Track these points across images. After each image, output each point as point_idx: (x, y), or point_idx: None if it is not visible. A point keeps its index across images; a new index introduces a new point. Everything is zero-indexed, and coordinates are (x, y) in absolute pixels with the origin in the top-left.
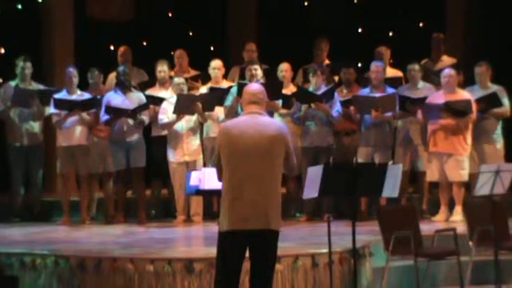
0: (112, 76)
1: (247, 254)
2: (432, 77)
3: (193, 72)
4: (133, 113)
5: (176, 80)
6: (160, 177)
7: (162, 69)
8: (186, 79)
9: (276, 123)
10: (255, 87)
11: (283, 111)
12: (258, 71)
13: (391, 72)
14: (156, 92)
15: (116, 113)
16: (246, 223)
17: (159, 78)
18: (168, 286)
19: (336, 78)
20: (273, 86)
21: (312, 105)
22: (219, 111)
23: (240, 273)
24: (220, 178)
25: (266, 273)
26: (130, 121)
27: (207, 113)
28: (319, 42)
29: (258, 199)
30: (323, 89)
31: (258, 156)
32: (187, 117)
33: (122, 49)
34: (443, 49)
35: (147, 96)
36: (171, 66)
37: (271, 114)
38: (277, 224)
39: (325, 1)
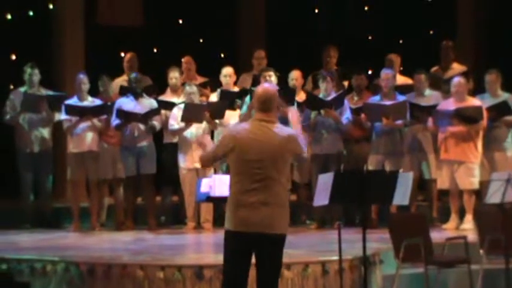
0: (117, 82)
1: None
2: (442, 84)
3: (200, 79)
4: (144, 117)
5: (188, 88)
6: (171, 184)
7: (174, 75)
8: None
9: (284, 130)
10: (265, 93)
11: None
12: (272, 77)
13: (401, 79)
14: (167, 98)
15: (126, 117)
16: (248, 227)
17: (171, 84)
18: None
19: (346, 83)
20: (286, 92)
21: (322, 111)
22: (230, 117)
23: (246, 277)
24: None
25: (271, 278)
26: (141, 126)
27: (217, 120)
28: (328, 49)
29: (263, 207)
30: (333, 95)
31: (265, 165)
32: (197, 125)
33: (128, 56)
34: (453, 57)
35: (159, 101)
36: (181, 73)
37: (285, 120)
38: (281, 228)
39: (335, 8)
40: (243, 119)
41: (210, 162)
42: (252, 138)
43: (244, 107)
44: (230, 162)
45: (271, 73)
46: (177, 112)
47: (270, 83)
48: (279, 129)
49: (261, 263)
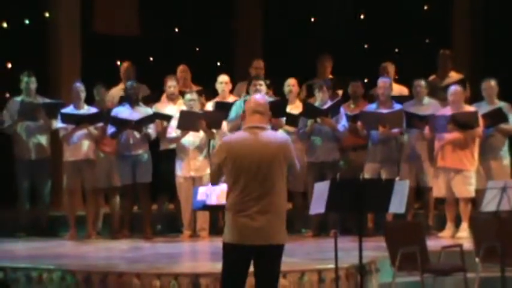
0: (114, 91)
1: (251, 269)
2: (439, 92)
3: (195, 88)
4: (138, 124)
5: (189, 96)
6: (168, 192)
7: (172, 84)
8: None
9: (277, 136)
10: (259, 97)
11: (288, 128)
12: (262, 86)
13: (397, 88)
14: (163, 106)
15: (120, 124)
16: (247, 239)
17: (168, 93)
18: None
19: (340, 92)
20: (277, 104)
21: (318, 120)
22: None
23: (243, 285)
24: (214, 182)
25: (270, 287)
26: (137, 134)
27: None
28: (322, 59)
29: (261, 217)
30: (329, 103)
31: (261, 173)
32: (194, 133)
33: (125, 65)
34: (451, 65)
35: (156, 114)
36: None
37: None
38: (280, 238)
39: (332, 17)
40: (232, 126)
41: (216, 177)
42: (246, 147)
43: (234, 111)
44: (226, 172)
45: (262, 82)
46: (174, 124)
47: (260, 91)
48: (272, 135)
49: (260, 273)
